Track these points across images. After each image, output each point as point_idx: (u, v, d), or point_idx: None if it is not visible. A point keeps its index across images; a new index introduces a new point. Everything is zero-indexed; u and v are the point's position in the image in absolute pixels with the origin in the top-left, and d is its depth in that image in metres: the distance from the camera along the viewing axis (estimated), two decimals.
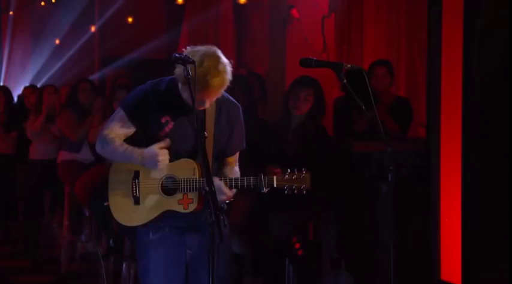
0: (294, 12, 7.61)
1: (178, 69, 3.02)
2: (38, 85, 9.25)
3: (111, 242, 5.83)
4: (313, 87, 4.99)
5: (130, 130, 3.25)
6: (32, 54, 11.59)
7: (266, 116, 6.17)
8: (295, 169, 3.11)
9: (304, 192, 3.11)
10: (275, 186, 3.10)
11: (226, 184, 3.12)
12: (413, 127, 5.77)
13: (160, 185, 3.18)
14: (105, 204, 3.31)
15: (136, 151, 3.17)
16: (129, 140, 3.32)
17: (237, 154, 3.36)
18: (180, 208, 3.15)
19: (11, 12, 11.43)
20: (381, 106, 5.18)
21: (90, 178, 5.90)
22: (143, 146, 3.20)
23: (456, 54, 4.20)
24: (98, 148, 3.30)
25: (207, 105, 3.14)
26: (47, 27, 11.32)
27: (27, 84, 10.10)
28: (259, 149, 4.68)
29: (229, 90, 5.38)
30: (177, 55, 2.90)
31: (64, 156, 6.54)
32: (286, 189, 3.10)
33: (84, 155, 6.49)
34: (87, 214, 6.20)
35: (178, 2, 9.48)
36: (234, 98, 4.95)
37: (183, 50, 3.05)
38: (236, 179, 3.15)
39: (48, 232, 7.20)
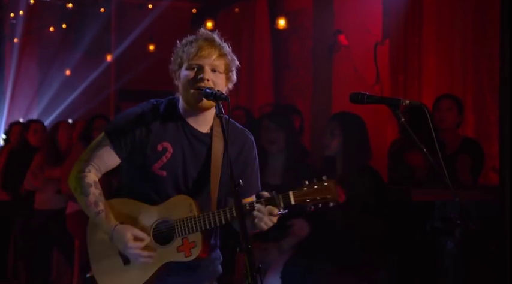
0: (342, 38, 7.61)
1: (173, 66, 3.08)
2: (46, 122, 9.39)
3: None
4: (339, 119, 4.94)
5: (115, 162, 3.06)
6: (40, 87, 11.77)
7: (309, 160, 6.15)
8: (314, 179, 2.89)
9: (331, 204, 2.88)
10: (293, 203, 2.86)
11: (233, 214, 2.88)
12: (483, 172, 5.71)
13: (152, 233, 2.98)
14: (88, 275, 3.08)
15: (110, 224, 2.98)
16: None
17: (253, 197, 3.12)
18: (181, 257, 2.94)
19: (15, 39, 11.65)
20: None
21: None
22: (129, 186, 3.06)
23: None
24: (71, 186, 3.06)
25: (206, 77, 2.99)
26: (56, 56, 11.51)
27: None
28: None
29: (266, 129, 5.38)
30: (208, 90, 2.90)
31: (73, 206, 6.57)
32: (308, 205, 2.87)
33: None
34: None
35: (208, 27, 9.60)
36: (272, 139, 4.91)
37: None
38: (245, 205, 2.87)
39: None
